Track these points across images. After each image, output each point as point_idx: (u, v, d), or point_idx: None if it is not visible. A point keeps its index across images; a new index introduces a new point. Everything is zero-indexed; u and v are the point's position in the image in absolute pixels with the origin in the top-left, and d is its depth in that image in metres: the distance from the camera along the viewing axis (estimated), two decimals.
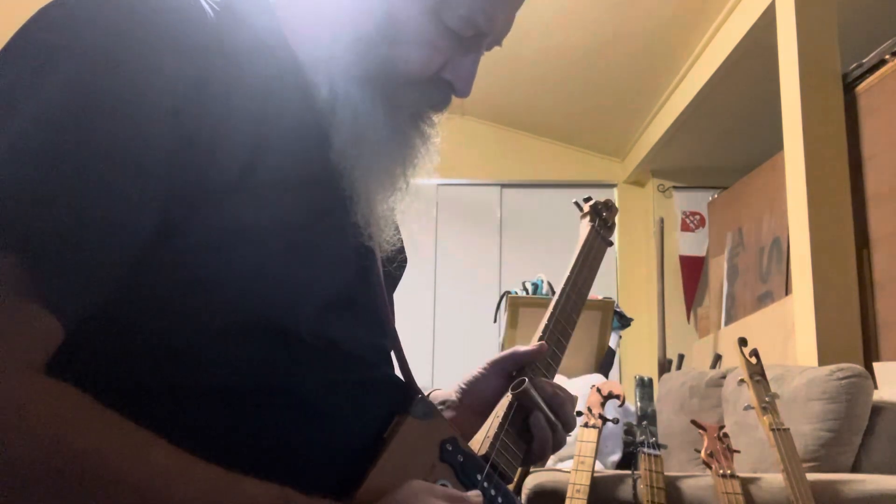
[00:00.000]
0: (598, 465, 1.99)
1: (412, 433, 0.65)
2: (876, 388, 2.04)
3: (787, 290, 3.25)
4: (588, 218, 1.09)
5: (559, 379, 2.27)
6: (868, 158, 2.74)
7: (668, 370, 4.02)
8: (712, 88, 3.81)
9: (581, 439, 1.73)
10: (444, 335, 4.94)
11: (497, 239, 5.16)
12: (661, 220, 4.88)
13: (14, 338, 0.50)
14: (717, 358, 3.79)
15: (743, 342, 1.74)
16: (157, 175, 0.56)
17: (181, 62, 0.58)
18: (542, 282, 3.30)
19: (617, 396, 1.88)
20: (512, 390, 0.81)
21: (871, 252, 2.70)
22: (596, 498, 1.61)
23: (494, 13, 0.69)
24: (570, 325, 0.94)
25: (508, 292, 3.19)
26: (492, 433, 0.77)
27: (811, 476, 1.59)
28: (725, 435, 1.69)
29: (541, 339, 0.90)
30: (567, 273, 0.98)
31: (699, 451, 1.67)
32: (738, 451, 1.69)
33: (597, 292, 2.86)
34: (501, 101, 4.76)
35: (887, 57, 2.66)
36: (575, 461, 1.66)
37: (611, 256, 5.07)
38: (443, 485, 0.65)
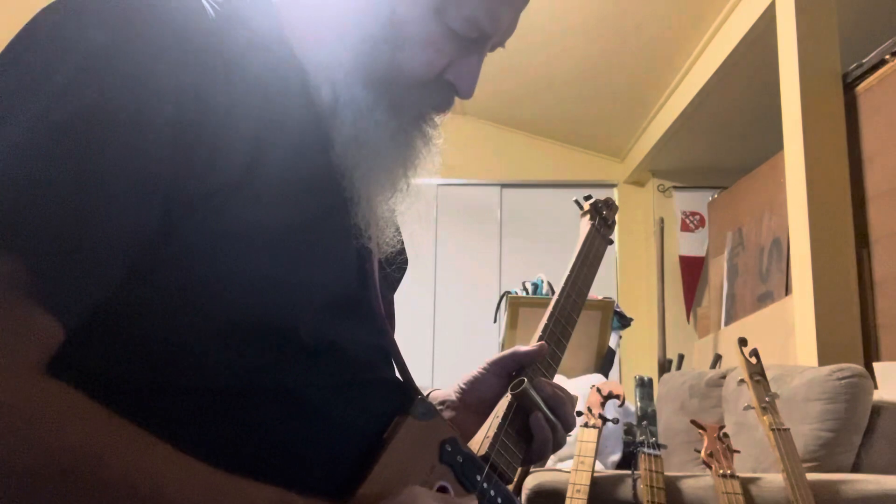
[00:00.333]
0: (598, 465, 1.99)
1: (412, 434, 0.65)
2: (876, 388, 2.04)
3: (787, 290, 3.25)
4: (588, 216, 1.09)
5: (559, 379, 2.27)
6: (868, 158, 2.74)
7: (668, 370, 4.02)
8: (712, 88, 3.81)
9: (581, 439, 1.73)
10: (444, 335, 4.94)
11: (497, 239, 5.16)
12: (661, 220, 4.88)
13: (14, 338, 0.50)
14: (717, 358, 3.79)
15: (743, 342, 1.74)
16: (158, 176, 0.56)
17: (182, 63, 0.58)
18: (542, 282, 3.30)
19: (617, 396, 1.88)
20: (511, 390, 0.81)
21: (871, 252, 2.70)
22: (596, 498, 1.61)
23: (498, 15, 0.69)
24: (570, 324, 0.94)
25: (508, 292, 3.20)
26: (491, 433, 0.77)
27: (811, 476, 1.59)
28: (725, 435, 1.69)
29: (541, 338, 0.90)
30: (567, 272, 0.98)
31: (699, 451, 1.67)
32: (738, 451, 1.69)
33: (597, 292, 2.86)
34: (501, 101, 4.76)
35: (887, 57, 2.66)
36: (575, 461, 1.66)
37: (611, 256, 5.07)
38: (442, 486, 0.65)
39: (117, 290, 0.56)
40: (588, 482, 1.60)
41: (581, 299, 0.97)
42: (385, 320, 0.73)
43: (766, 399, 1.63)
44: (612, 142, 5.08)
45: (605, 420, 1.79)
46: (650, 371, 4.45)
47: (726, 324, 4.01)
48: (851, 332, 2.63)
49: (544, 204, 5.15)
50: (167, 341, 0.58)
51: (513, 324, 3.04)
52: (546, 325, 0.92)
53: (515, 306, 3.05)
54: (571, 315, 0.95)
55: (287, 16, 0.70)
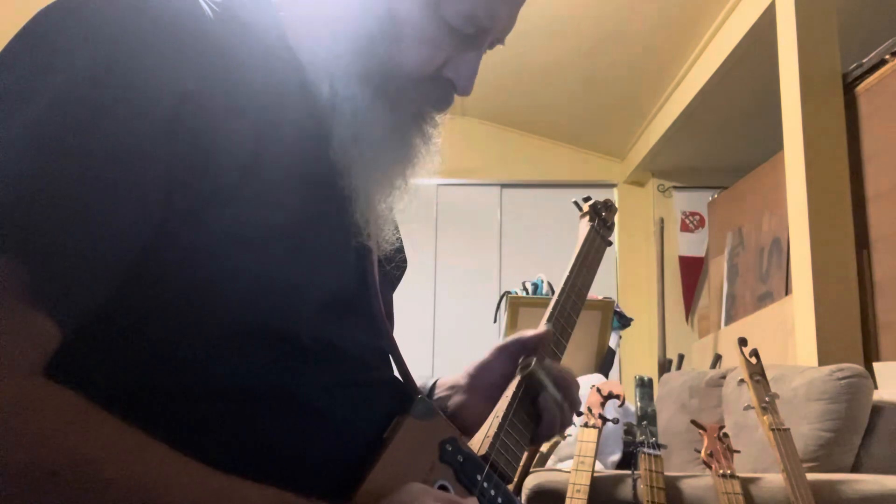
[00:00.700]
0: (598, 465, 1.99)
1: (412, 433, 0.65)
2: (876, 388, 2.04)
3: (787, 290, 3.25)
4: (587, 217, 1.09)
5: None
6: (868, 158, 2.74)
7: (668, 370, 4.02)
8: (712, 88, 3.81)
9: (581, 439, 1.73)
10: (444, 335, 4.94)
11: (497, 239, 5.15)
12: (661, 221, 4.88)
13: (11, 341, 0.50)
14: (717, 358, 3.79)
15: (743, 342, 1.74)
16: (157, 177, 0.56)
17: (181, 63, 0.58)
18: (542, 282, 3.30)
19: (617, 396, 1.88)
20: (520, 371, 0.83)
21: (871, 252, 2.70)
22: (596, 498, 1.61)
23: (496, 10, 0.69)
24: (569, 324, 0.94)
25: (508, 292, 3.20)
26: (492, 433, 0.77)
27: (811, 476, 1.59)
28: (725, 435, 1.69)
29: None
30: (566, 273, 0.98)
31: (699, 451, 1.67)
32: (738, 451, 1.69)
33: (597, 292, 2.86)
34: (501, 101, 4.76)
35: (887, 57, 2.66)
36: (575, 461, 1.67)
37: (611, 256, 5.07)
38: (442, 485, 0.65)
39: (115, 291, 0.56)
40: (588, 482, 1.60)
41: (580, 300, 0.97)
42: (385, 320, 0.73)
43: (766, 399, 1.63)
44: (612, 142, 5.08)
45: (605, 420, 1.79)
46: (650, 371, 4.45)
47: (726, 324, 4.01)
48: (851, 332, 2.63)
49: (544, 204, 5.15)
50: (165, 343, 0.58)
51: (513, 324, 3.04)
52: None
53: (515, 306, 3.05)
54: (571, 316, 0.95)
55: (285, 14, 0.70)
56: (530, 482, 1.70)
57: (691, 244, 4.88)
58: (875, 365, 2.31)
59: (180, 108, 0.57)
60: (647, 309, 4.81)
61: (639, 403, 1.88)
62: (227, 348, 0.59)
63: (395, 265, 0.81)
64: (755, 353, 1.72)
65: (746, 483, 1.63)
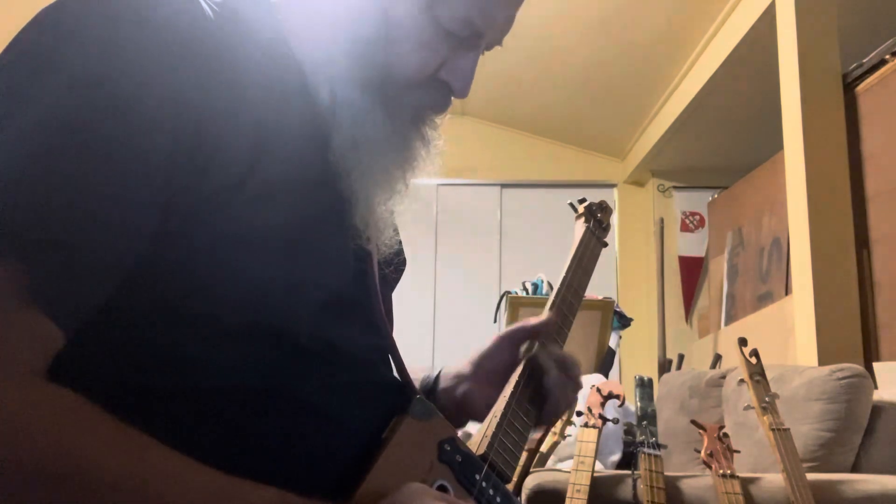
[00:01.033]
0: (598, 465, 1.99)
1: (410, 433, 0.65)
2: (876, 388, 2.04)
3: (787, 290, 3.25)
4: (583, 219, 1.09)
5: None
6: (868, 158, 2.74)
7: (668, 370, 4.02)
8: (712, 88, 3.81)
9: (581, 439, 1.73)
10: (444, 335, 4.94)
11: (497, 239, 5.16)
12: (661, 220, 4.88)
13: (13, 343, 0.50)
14: (717, 358, 3.79)
15: (743, 342, 1.74)
16: (157, 178, 0.56)
17: (182, 65, 0.58)
18: (542, 282, 3.30)
19: (617, 396, 1.88)
20: (524, 353, 0.85)
21: (871, 252, 2.70)
22: (596, 498, 1.62)
23: (491, 13, 0.68)
24: (566, 325, 0.94)
25: (508, 292, 3.20)
26: (490, 432, 0.77)
27: (811, 476, 1.59)
28: (725, 435, 1.69)
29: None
30: (562, 274, 0.99)
31: (699, 451, 1.67)
32: (738, 451, 1.69)
33: (597, 292, 2.87)
34: (501, 101, 4.76)
35: (887, 57, 2.66)
36: (575, 461, 1.67)
37: (611, 256, 5.07)
38: (441, 485, 0.65)
39: (116, 293, 0.56)
40: (588, 482, 1.60)
41: (577, 301, 0.98)
42: (384, 320, 0.73)
43: (766, 399, 1.63)
44: (612, 142, 5.08)
45: (605, 420, 1.80)
46: (650, 371, 4.45)
47: (726, 324, 4.01)
48: (851, 332, 2.63)
49: (544, 204, 5.15)
50: (165, 343, 0.58)
51: (513, 323, 3.04)
52: None
53: (515, 306, 3.05)
54: (567, 317, 0.95)
55: (284, 15, 0.70)
56: (530, 482, 1.70)
57: (691, 244, 4.88)
58: (875, 365, 2.31)
59: (181, 109, 0.57)
60: (647, 309, 4.81)
61: (639, 403, 1.88)
62: (226, 348, 0.59)
63: (394, 268, 0.81)
64: (755, 353, 1.72)
65: (746, 483, 1.63)
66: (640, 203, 5.09)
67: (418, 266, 4.82)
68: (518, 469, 0.80)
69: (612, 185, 5.21)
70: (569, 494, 1.59)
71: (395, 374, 0.74)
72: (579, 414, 1.83)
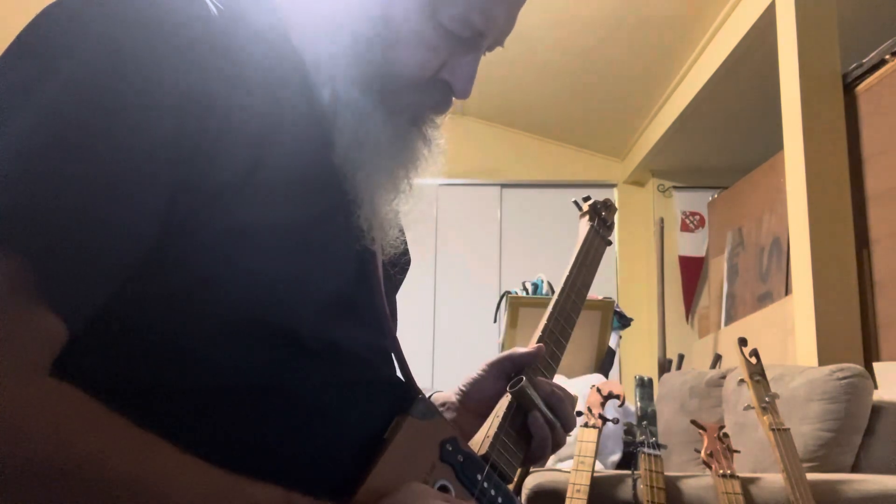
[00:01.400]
0: (598, 465, 1.99)
1: (412, 433, 0.65)
2: (876, 388, 2.04)
3: (787, 290, 3.25)
4: (587, 217, 1.09)
5: (559, 379, 2.27)
6: (868, 158, 2.74)
7: (668, 370, 4.02)
8: (712, 88, 3.81)
9: (581, 439, 1.73)
10: (444, 335, 4.94)
11: (497, 239, 5.16)
12: (661, 220, 4.88)
13: (19, 339, 0.50)
14: (717, 358, 3.79)
15: (743, 342, 1.74)
16: (162, 176, 0.56)
17: (185, 62, 0.58)
18: (542, 282, 3.30)
19: (617, 396, 1.88)
20: (509, 389, 0.81)
21: (871, 252, 2.70)
22: (596, 498, 1.62)
23: (492, 13, 0.68)
24: (569, 324, 0.94)
25: (508, 292, 3.19)
26: (491, 433, 0.77)
27: (811, 476, 1.59)
28: (725, 435, 1.69)
29: (540, 339, 0.90)
30: (566, 273, 0.99)
31: (699, 451, 1.67)
32: (738, 451, 1.69)
33: (597, 292, 2.86)
34: (501, 101, 4.76)
35: (887, 57, 2.66)
36: (575, 461, 1.67)
37: (611, 256, 5.07)
38: (443, 485, 0.65)
39: (121, 290, 0.56)
40: (588, 482, 1.60)
41: (580, 300, 0.97)
42: (388, 320, 0.73)
43: (766, 399, 1.63)
44: (612, 142, 5.08)
45: (605, 420, 1.79)
46: (650, 371, 4.46)
47: (726, 324, 4.01)
48: (851, 332, 2.63)
49: (544, 204, 5.15)
50: (170, 341, 0.59)
51: (513, 324, 3.04)
52: (545, 326, 0.92)
53: (515, 306, 3.05)
54: (571, 315, 0.95)
55: (287, 14, 0.70)
56: (530, 482, 1.70)
57: (691, 244, 4.88)
58: (875, 365, 2.31)
59: (186, 105, 0.57)
60: (647, 309, 4.81)
61: (639, 403, 1.88)
62: (229, 347, 0.60)
63: (399, 268, 0.81)
64: (755, 353, 1.72)
65: (746, 483, 1.63)
66: (640, 203, 5.09)
67: (418, 266, 4.82)
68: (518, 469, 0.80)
69: (612, 185, 5.21)
70: (569, 494, 1.59)
71: (398, 373, 0.74)
72: (579, 414, 1.83)
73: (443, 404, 0.86)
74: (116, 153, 0.54)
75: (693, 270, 4.83)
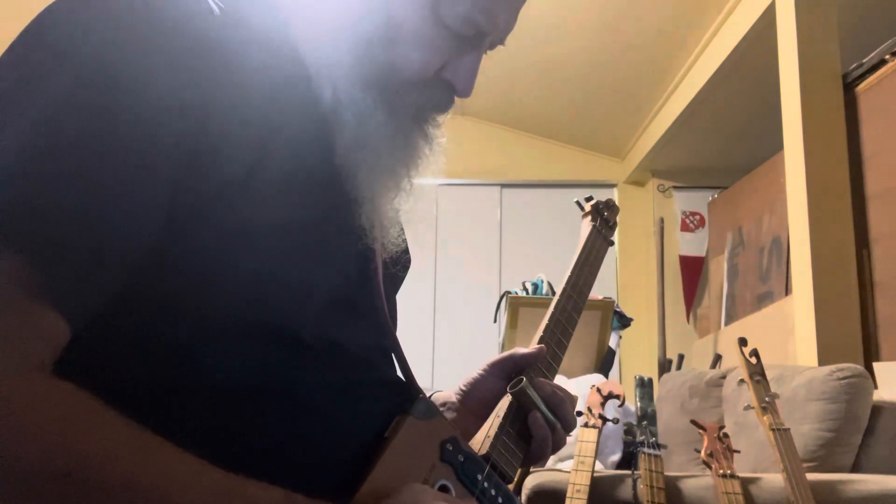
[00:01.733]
0: (598, 465, 1.99)
1: (413, 433, 0.65)
2: (876, 388, 2.04)
3: (787, 290, 3.25)
4: (589, 217, 1.09)
5: (559, 379, 2.27)
6: (868, 158, 2.74)
7: (668, 370, 4.02)
8: (712, 88, 3.81)
9: (581, 439, 1.73)
10: (444, 335, 4.94)
11: (497, 239, 5.16)
12: (661, 220, 4.88)
13: (21, 338, 0.50)
14: (717, 358, 3.79)
15: (743, 342, 1.74)
16: (163, 175, 0.56)
17: (186, 61, 0.58)
18: (543, 282, 3.30)
19: (617, 396, 1.88)
20: (510, 389, 0.81)
21: (871, 252, 2.70)
22: (596, 498, 1.62)
23: (494, 12, 0.68)
24: (570, 324, 0.94)
25: (508, 292, 3.19)
26: (492, 433, 0.77)
27: (811, 476, 1.59)
28: (725, 435, 1.69)
29: (541, 338, 0.90)
30: (568, 272, 0.98)
31: (699, 451, 1.67)
32: (738, 451, 1.69)
33: (597, 292, 2.86)
34: (501, 101, 4.76)
35: (887, 57, 2.66)
36: (575, 461, 1.67)
37: (611, 256, 5.07)
38: (443, 485, 0.65)
39: (122, 289, 0.56)
40: (588, 482, 1.60)
41: (582, 300, 0.97)
42: (388, 320, 0.73)
43: (766, 399, 1.64)
44: (612, 142, 5.08)
45: (605, 420, 1.80)
46: (650, 371, 4.46)
47: (726, 324, 4.01)
48: (851, 332, 2.63)
49: (544, 204, 5.15)
50: (171, 341, 0.59)
51: (513, 324, 3.04)
52: (547, 326, 0.92)
53: (515, 306, 3.05)
54: (572, 315, 0.95)
55: (288, 15, 0.70)
56: (530, 482, 1.70)
57: (691, 244, 4.88)
58: (875, 365, 2.31)
59: (187, 105, 0.57)
60: (647, 309, 4.81)
61: (639, 403, 1.88)
62: (231, 347, 0.60)
63: (401, 266, 0.81)
64: (755, 353, 1.72)
65: (746, 483, 1.63)
66: (640, 203, 5.09)
67: (418, 266, 4.82)
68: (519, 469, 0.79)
69: (612, 185, 5.21)
70: (569, 494, 1.59)
71: (399, 373, 0.74)
72: (579, 414, 1.83)
73: (443, 404, 0.86)
74: (117, 152, 0.54)
75: (693, 270, 4.83)
